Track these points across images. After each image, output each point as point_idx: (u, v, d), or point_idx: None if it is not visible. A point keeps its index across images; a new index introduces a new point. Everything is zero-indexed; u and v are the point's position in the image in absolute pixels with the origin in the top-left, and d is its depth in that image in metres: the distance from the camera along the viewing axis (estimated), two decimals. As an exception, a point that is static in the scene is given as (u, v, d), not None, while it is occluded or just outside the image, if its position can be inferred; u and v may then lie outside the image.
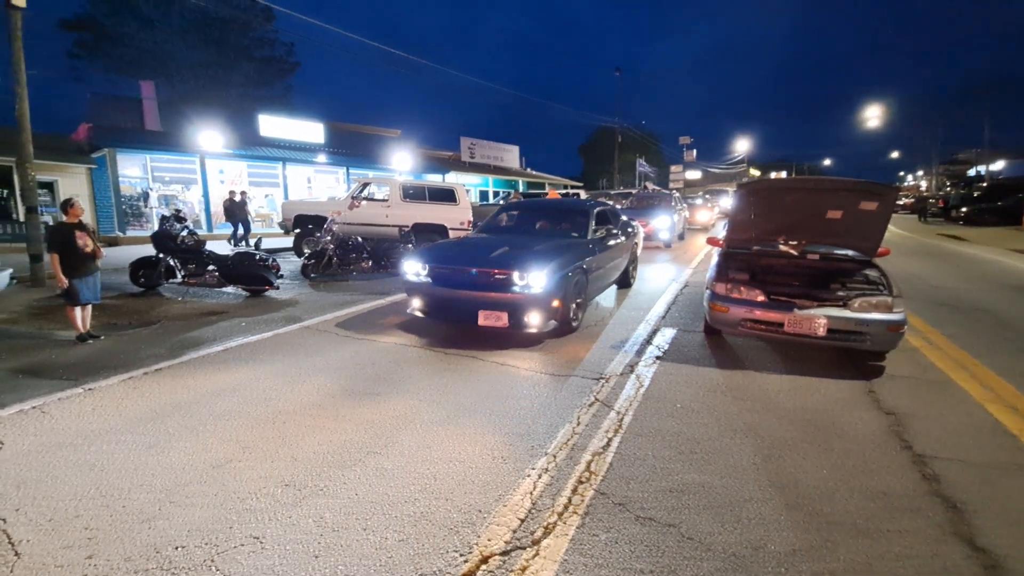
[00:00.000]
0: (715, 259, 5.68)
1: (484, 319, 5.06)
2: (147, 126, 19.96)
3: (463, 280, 5.26)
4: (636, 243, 8.61)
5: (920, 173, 70.28)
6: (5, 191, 16.01)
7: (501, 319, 5.01)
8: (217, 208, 19.51)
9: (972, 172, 44.50)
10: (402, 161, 24.38)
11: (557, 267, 5.13)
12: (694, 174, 51.46)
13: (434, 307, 5.52)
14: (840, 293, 4.80)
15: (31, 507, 2.58)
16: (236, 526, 2.42)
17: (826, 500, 2.66)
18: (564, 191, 25.29)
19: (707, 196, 27.04)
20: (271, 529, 2.41)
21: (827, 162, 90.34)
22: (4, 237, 14.31)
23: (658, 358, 4.99)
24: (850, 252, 5.40)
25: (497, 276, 5.08)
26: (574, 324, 5.66)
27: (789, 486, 2.79)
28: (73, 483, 2.80)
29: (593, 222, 6.65)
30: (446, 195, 13.05)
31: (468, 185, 29.21)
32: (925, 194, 44.28)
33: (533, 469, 2.94)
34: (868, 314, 4.40)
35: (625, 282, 8.14)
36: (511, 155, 37.37)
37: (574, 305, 5.59)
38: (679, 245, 15.13)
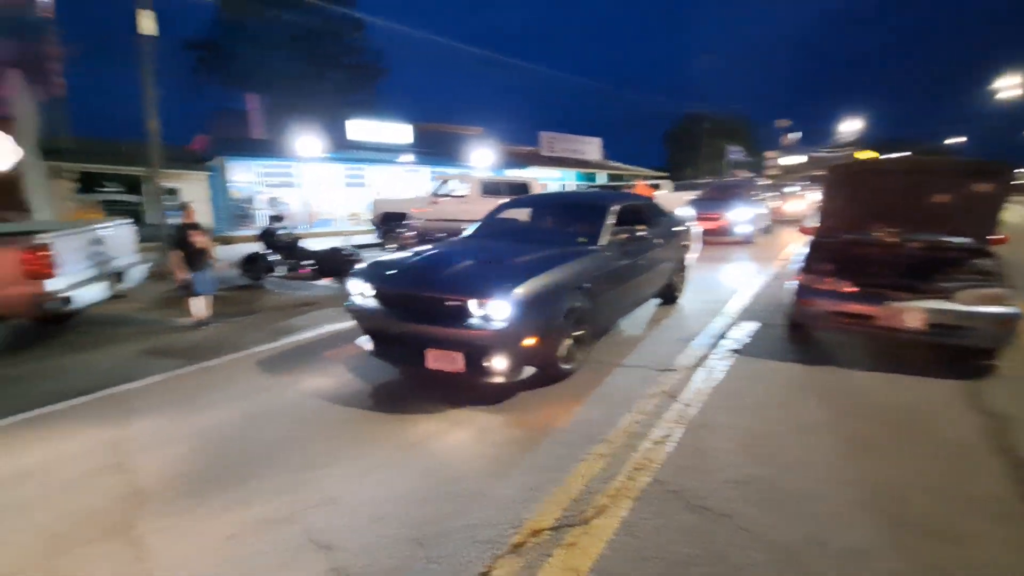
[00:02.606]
0: (803, 249, 5.37)
1: (434, 360, 3.75)
2: (253, 135, 22.02)
3: (410, 307, 3.97)
4: (685, 245, 6.89)
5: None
6: (139, 197, 18.35)
7: (455, 362, 3.67)
8: (315, 208, 21.22)
9: None
10: (483, 158, 24.95)
11: (534, 289, 3.73)
12: (795, 160, 47.47)
13: (379, 342, 4.21)
14: (943, 284, 4.36)
15: (171, 467, 3.06)
16: (312, 484, 2.73)
17: (902, 502, 2.49)
18: (653, 183, 23.72)
19: (803, 183, 25.01)
20: (341, 487, 2.71)
21: (956, 140, 79.52)
22: (141, 237, 16.47)
23: (734, 351, 4.81)
24: (957, 239, 4.88)
25: (448, 303, 3.76)
26: (566, 367, 4.10)
27: (861, 485, 2.64)
28: (200, 440, 3.27)
29: (610, 223, 5.05)
30: (522, 190, 13.25)
31: (547, 179, 29.29)
32: None
33: (589, 454, 3.00)
34: (975, 307, 3.98)
35: (668, 296, 6.54)
36: (592, 147, 37.04)
37: (568, 341, 4.10)
38: (763, 240, 13.93)
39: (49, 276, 5.18)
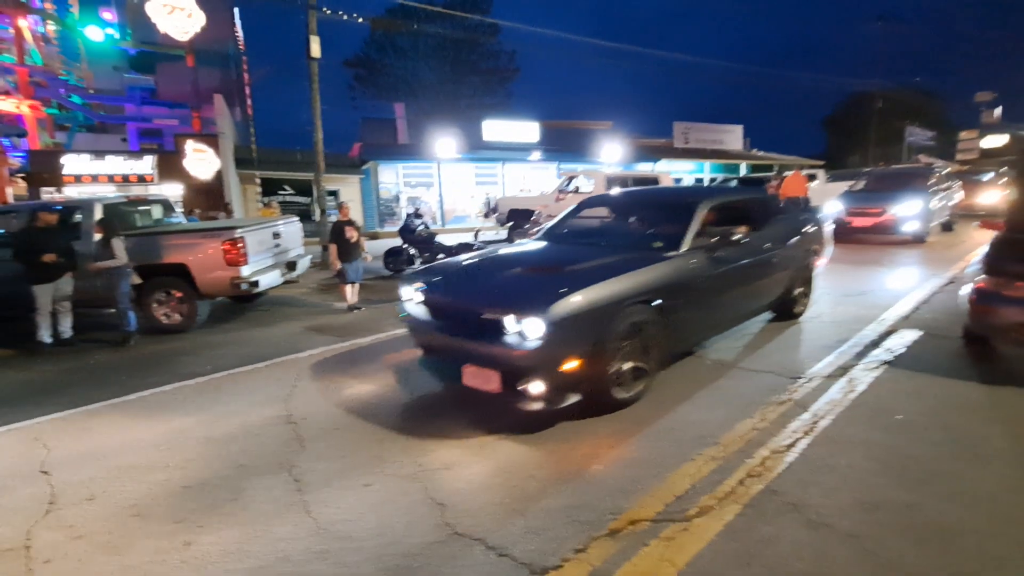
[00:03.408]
0: (986, 247, 4.57)
1: (470, 377, 3.43)
2: (399, 140, 24.18)
3: (449, 318, 3.76)
4: (812, 250, 5.80)
5: None
6: (308, 199, 21.17)
7: (491, 381, 3.30)
8: (450, 206, 22.74)
9: None
10: (611, 153, 24.57)
11: (578, 305, 3.24)
12: (999, 140, 38.47)
13: (424, 352, 4.08)
14: None
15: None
16: (433, 451, 3.06)
17: (1091, 551, 2.07)
18: (808, 173, 20.02)
19: (1002, 169, 20.68)
20: (460, 456, 3.03)
21: None
22: (307, 233, 19.03)
23: (886, 363, 4.27)
24: None
25: (485, 317, 3.41)
26: (621, 396, 3.54)
27: (1035, 527, 2.24)
28: (349, 404, 3.84)
29: (697, 223, 4.31)
30: (650, 184, 12.89)
31: (680, 172, 27.99)
32: None
33: (699, 454, 2.93)
34: None
35: (784, 310, 5.51)
36: (732, 136, 34.37)
37: (624, 366, 3.52)
38: (940, 239, 11.56)
39: (244, 263, 6.35)
